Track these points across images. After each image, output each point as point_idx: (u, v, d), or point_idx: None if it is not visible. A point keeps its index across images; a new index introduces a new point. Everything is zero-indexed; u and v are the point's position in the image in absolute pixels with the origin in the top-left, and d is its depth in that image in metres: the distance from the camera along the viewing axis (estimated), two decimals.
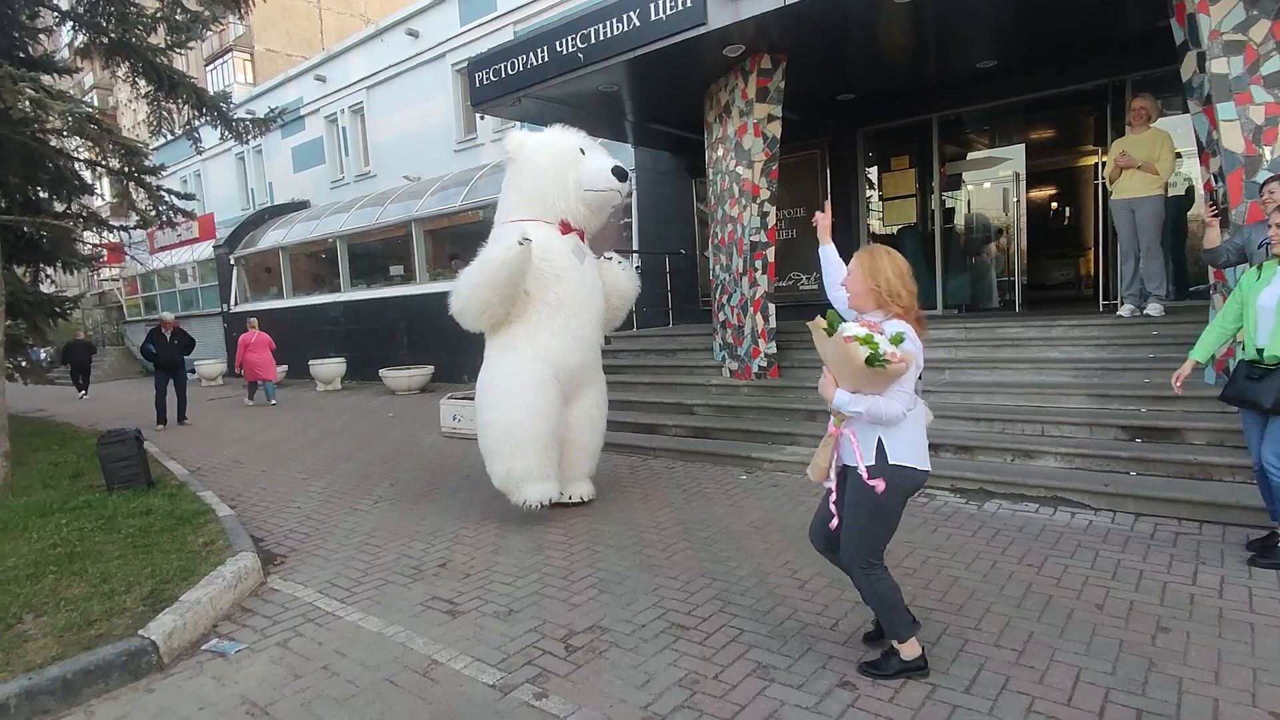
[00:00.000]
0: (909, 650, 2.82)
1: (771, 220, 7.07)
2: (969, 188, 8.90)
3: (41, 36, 6.97)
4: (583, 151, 5.04)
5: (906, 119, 8.57)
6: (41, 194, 7.66)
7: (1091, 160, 8.63)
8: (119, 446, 5.73)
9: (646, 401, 7.62)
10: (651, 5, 6.28)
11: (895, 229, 9.17)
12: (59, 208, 7.41)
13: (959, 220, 9.04)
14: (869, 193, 9.17)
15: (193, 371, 16.27)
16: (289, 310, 17.89)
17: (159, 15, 7.12)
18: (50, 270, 8.89)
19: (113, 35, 7.00)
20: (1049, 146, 9.47)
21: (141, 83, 7.10)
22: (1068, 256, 10.57)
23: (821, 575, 3.78)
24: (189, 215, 8.44)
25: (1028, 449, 5.13)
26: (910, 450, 2.81)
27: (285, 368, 15.76)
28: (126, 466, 5.74)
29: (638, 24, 6.41)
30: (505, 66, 7.56)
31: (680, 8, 6.11)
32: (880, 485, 2.70)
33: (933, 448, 5.22)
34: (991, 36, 6.92)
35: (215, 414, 12.34)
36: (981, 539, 4.22)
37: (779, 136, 6.94)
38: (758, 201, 6.95)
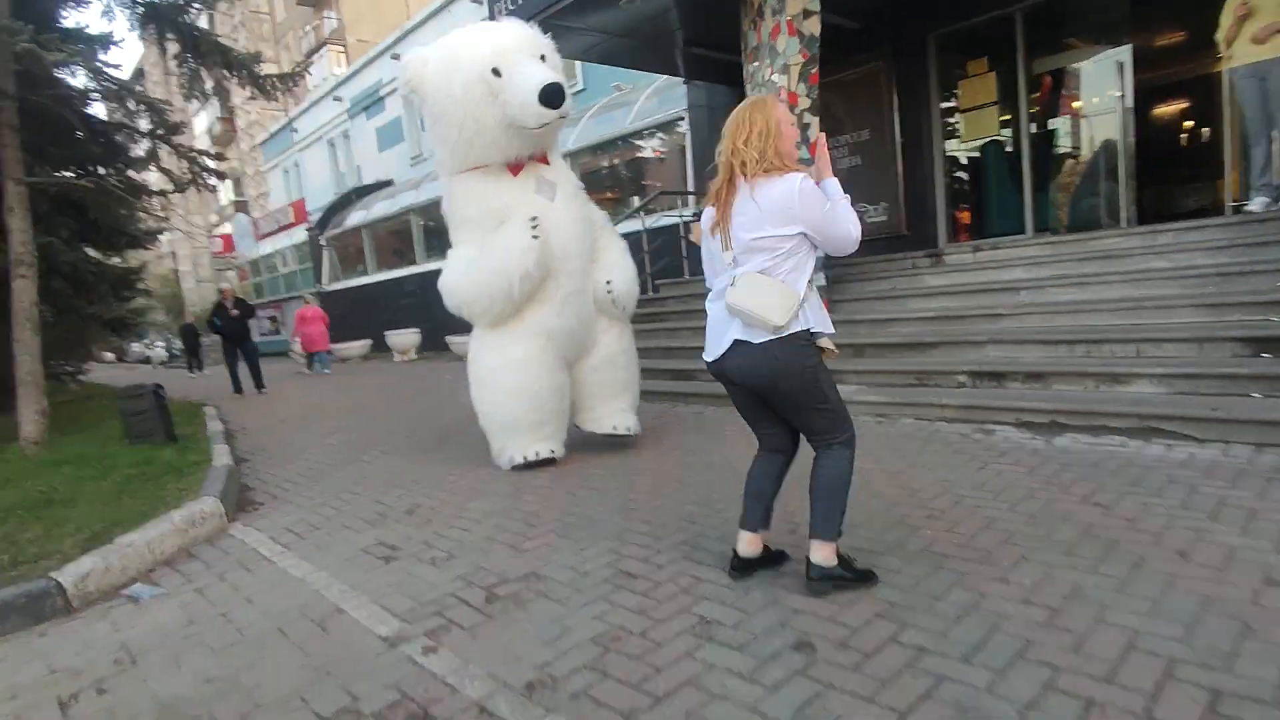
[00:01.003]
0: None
1: (814, 133, 6.19)
2: (1064, 93, 7.58)
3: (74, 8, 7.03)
4: (496, 73, 3.85)
5: (985, 14, 7.37)
6: (97, 169, 7.85)
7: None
8: (135, 401, 5.73)
9: (686, 347, 6.98)
10: None
11: (975, 145, 8.00)
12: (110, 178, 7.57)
13: (1054, 132, 7.74)
14: (943, 105, 8.02)
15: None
16: (372, 285, 18.35)
17: None
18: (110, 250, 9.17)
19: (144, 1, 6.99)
20: (1170, 53, 7.96)
21: (171, 47, 7.06)
22: (1200, 179, 8.91)
23: None
24: (220, 175, 8.41)
25: (1116, 372, 4.14)
26: None
27: (365, 341, 16.15)
28: (143, 420, 5.73)
29: None
30: None
31: None
32: None
33: (996, 377, 4.44)
34: None
35: (298, 384, 12.72)
36: (1040, 477, 3.36)
37: (818, 35, 6.04)
38: (797, 112, 6.10)
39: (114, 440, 5.94)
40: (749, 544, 2.61)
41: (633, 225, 9.33)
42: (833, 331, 2.44)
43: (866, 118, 8.23)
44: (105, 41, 6.80)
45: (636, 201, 11.41)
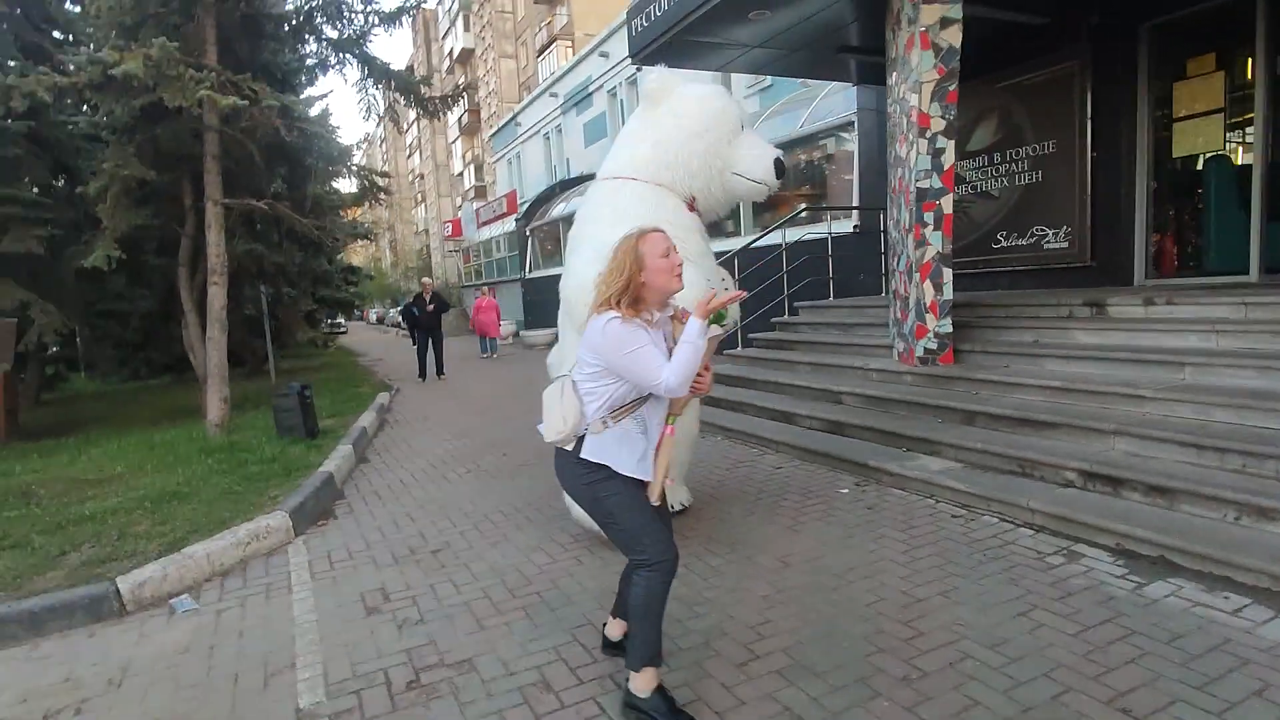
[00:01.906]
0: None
1: (948, 160, 5.40)
2: None
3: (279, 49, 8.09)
4: (742, 126, 4.19)
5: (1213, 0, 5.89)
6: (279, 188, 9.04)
7: None
8: (284, 399, 6.56)
9: (797, 385, 6.51)
10: None
11: (1189, 160, 6.48)
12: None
13: None
14: (1155, 114, 6.57)
15: None
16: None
17: (369, 7, 7.87)
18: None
19: (332, 35, 7.90)
20: None
21: (349, 72, 7.89)
22: None
23: (796, 647, 2.72)
24: (387, 193, 9.27)
25: (1267, 506, 3.17)
26: None
27: (552, 330, 17.09)
28: (289, 416, 6.55)
29: None
30: (654, 7, 6.87)
31: None
32: None
33: (1113, 482, 3.65)
34: None
35: (472, 369, 13.85)
36: (1090, 641, 2.66)
37: (959, 47, 5.23)
38: (928, 136, 5.36)
39: (269, 429, 6.85)
40: (615, 628, 2.77)
41: (774, 239, 8.84)
42: (643, 477, 2.41)
43: (1052, 127, 7.02)
44: (300, 73, 7.79)
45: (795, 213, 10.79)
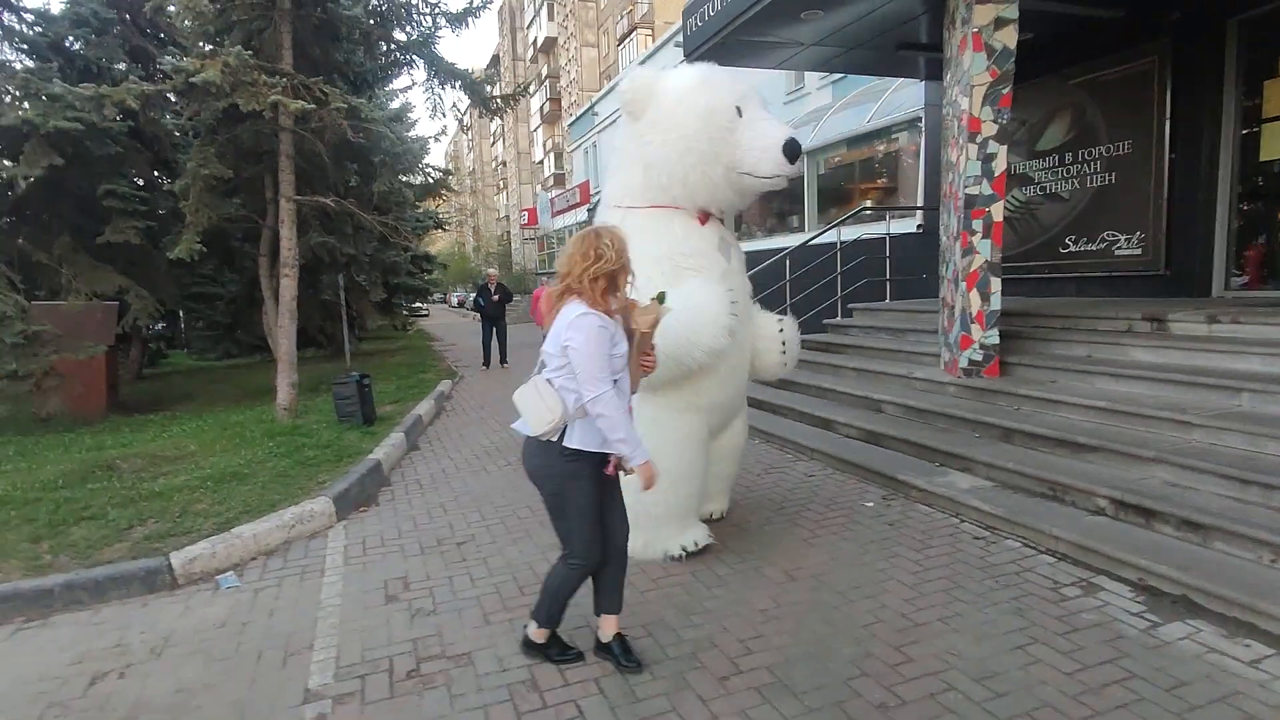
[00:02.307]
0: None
1: (1000, 166, 5.19)
2: None
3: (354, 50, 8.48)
4: (739, 111, 3.58)
5: None
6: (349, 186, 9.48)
7: None
8: (343, 387, 6.93)
9: (840, 391, 6.42)
10: None
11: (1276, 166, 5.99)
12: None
13: None
14: (1241, 114, 6.09)
15: None
16: None
17: (436, 10, 8.16)
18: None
19: (401, 38, 8.24)
20: None
21: (417, 74, 8.22)
22: None
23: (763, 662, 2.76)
24: (450, 189, 9.57)
25: None
26: None
27: None
28: (348, 404, 6.92)
29: None
30: (708, 7, 6.85)
31: None
32: None
33: (1145, 514, 3.51)
34: None
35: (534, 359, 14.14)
36: (1083, 683, 2.59)
37: (1014, 48, 5.01)
38: (978, 141, 5.17)
39: (331, 414, 7.24)
40: (536, 633, 2.91)
41: (829, 237, 8.68)
42: (611, 452, 2.62)
43: (1127, 127, 6.63)
44: (374, 74, 8.16)
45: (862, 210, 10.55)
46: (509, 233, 57.27)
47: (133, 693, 2.88)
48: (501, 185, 67.66)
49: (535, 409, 2.60)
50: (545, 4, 47.21)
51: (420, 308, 32.65)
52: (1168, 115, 6.34)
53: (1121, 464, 3.98)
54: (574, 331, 2.52)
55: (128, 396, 10.16)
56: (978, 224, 5.28)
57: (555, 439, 2.61)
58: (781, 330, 3.99)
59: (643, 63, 22.69)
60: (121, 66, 9.41)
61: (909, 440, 5.17)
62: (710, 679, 2.75)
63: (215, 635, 3.32)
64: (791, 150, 3.53)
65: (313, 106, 6.59)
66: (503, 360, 12.93)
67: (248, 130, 7.59)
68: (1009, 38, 5.00)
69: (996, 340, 5.41)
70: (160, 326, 14.33)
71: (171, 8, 6.32)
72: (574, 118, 31.60)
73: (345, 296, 10.69)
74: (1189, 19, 6.13)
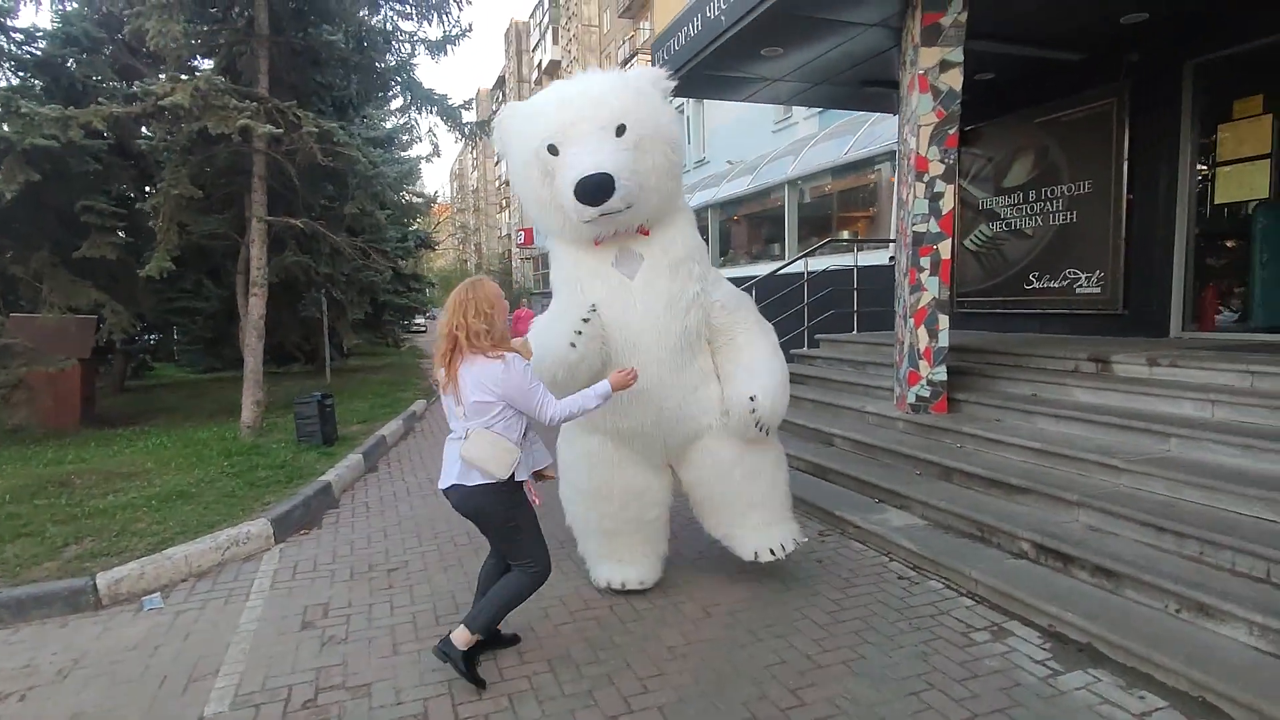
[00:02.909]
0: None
1: (947, 205, 5.24)
2: None
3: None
4: (553, 150, 3.28)
5: (1264, 38, 5.47)
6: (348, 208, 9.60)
7: None
8: (304, 406, 6.96)
9: (796, 424, 6.41)
10: None
11: (1236, 206, 6.02)
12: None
13: None
14: (1198, 157, 6.14)
15: None
16: None
17: (415, 37, 8.31)
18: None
19: (380, 65, 8.39)
20: None
21: (395, 100, 8.38)
22: None
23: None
24: (423, 213, 9.66)
25: (1209, 602, 2.96)
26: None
27: None
28: (309, 423, 6.95)
29: None
30: (674, 41, 6.97)
31: None
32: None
33: (1063, 559, 3.50)
34: None
35: None
36: None
37: (959, 91, 5.08)
38: (925, 180, 5.22)
39: (293, 433, 7.26)
40: (464, 638, 2.97)
41: (797, 269, 8.74)
42: (550, 461, 3.12)
43: (1088, 167, 6.69)
44: (354, 99, 8.30)
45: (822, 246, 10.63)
46: (510, 251, 57.62)
47: (29, 716, 2.89)
48: (504, 204, 68.17)
49: (497, 457, 2.85)
50: (551, 28, 47.90)
51: (419, 324, 32.82)
52: (1126, 156, 6.39)
53: (1048, 507, 3.99)
54: (510, 379, 2.83)
55: (108, 409, 10.20)
56: (925, 261, 5.33)
57: (505, 478, 2.89)
58: (753, 398, 3.42)
59: None
60: (111, 86, 9.58)
61: (853, 476, 5.17)
62: (599, 717, 2.74)
63: (125, 658, 3.33)
64: (581, 191, 3.13)
65: (281, 131, 6.69)
66: None
67: (224, 151, 7.69)
68: (954, 80, 5.07)
69: (944, 377, 5.43)
70: (150, 339, 14.41)
71: (149, 29, 6.42)
72: None
73: (327, 314, 10.77)
74: (1147, 61, 6.21)
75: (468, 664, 2.94)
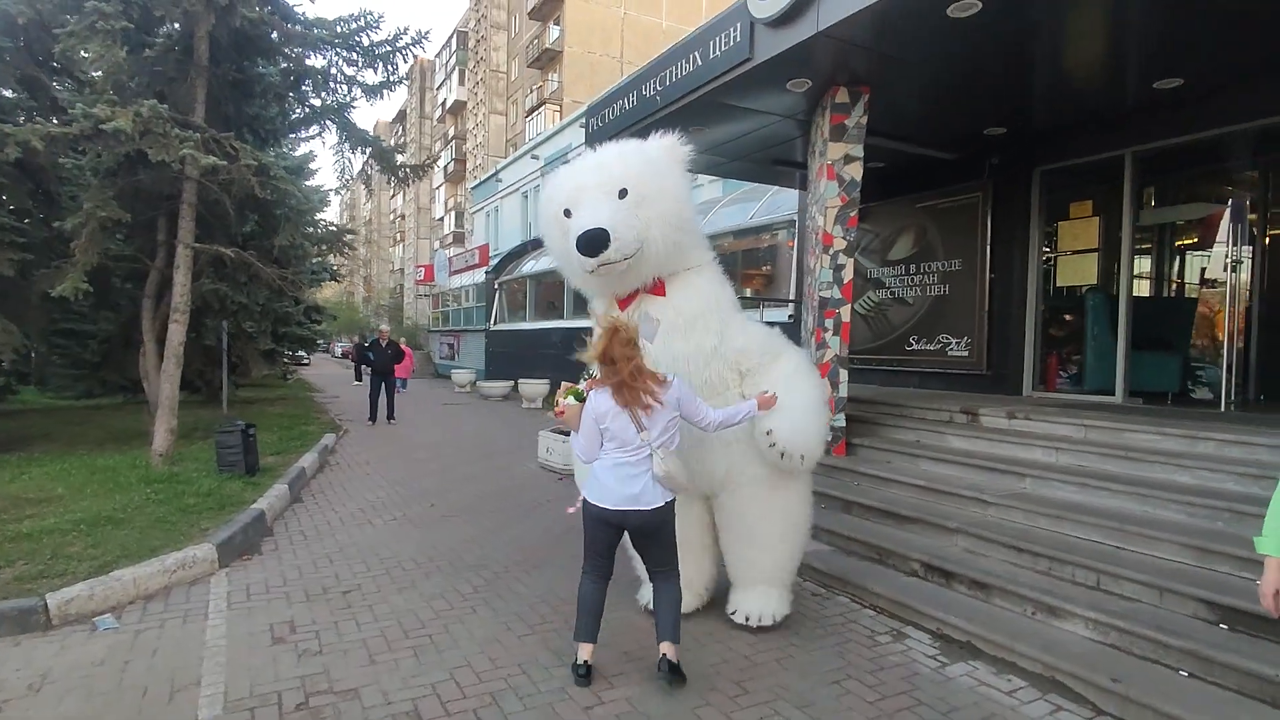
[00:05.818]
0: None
1: (848, 275, 6.12)
2: (1177, 243, 6.76)
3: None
4: (568, 213, 3.70)
5: (1091, 155, 6.81)
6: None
7: None
8: (228, 435, 6.91)
9: None
10: (711, 43, 5.92)
11: (1073, 289, 7.31)
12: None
13: (1163, 283, 6.90)
14: (1043, 246, 7.44)
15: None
16: (526, 332, 19.92)
17: (354, 81, 8.57)
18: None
19: (316, 104, 8.57)
20: None
21: (328, 136, 8.57)
22: None
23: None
24: (351, 247, 9.82)
25: (1054, 605, 3.75)
26: (586, 487, 3.43)
27: (507, 383, 17.52)
28: (232, 453, 6.90)
29: (700, 63, 6.08)
30: (609, 111, 7.66)
31: (730, 44, 5.67)
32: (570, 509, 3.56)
33: (946, 575, 4.20)
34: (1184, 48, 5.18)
35: (430, 415, 14.19)
36: (876, 712, 3.18)
37: (859, 180, 6.01)
38: (830, 253, 6.08)
39: (211, 462, 7.17)
40: (588, 652, 3.36)
41: None
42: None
43: (959, 247, 7.87)
44: (284, 130, 8.41)
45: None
46: (402, 286, 56.40)
47: None
48: (399, 237, 66.82)
49: (682, 474, 3.35)
50: (457, 69, 48.27)
51: (303, 357, 31.55)
52: (988, 241, 7.59)
53: (933, 534, 4.75)
54: (683, 390, 3.39)
55: None
56: (829, 323, 6.14)
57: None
58: (769, 432, 3.66)
59: (549, 139, 23.70)
60: (9, 94, 9.18)
61: None
62: (575, 708, 3.14)
63: (95, 672, 3.40)
64: (580, 244, 3.52)
65: (224, 163, 6.78)
66: (389, 416, 12.92)
67: (149, 175, 7.61)
68: (856, 171, 5.99)
69: (843, 424, 6.23)
70: (9, 361, 13.35)
71: (85, 54, 6.40)
72: (478, 181, 32.15)
73: (228, 343, 10.51)
74: (1005, 165, 7.46)
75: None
